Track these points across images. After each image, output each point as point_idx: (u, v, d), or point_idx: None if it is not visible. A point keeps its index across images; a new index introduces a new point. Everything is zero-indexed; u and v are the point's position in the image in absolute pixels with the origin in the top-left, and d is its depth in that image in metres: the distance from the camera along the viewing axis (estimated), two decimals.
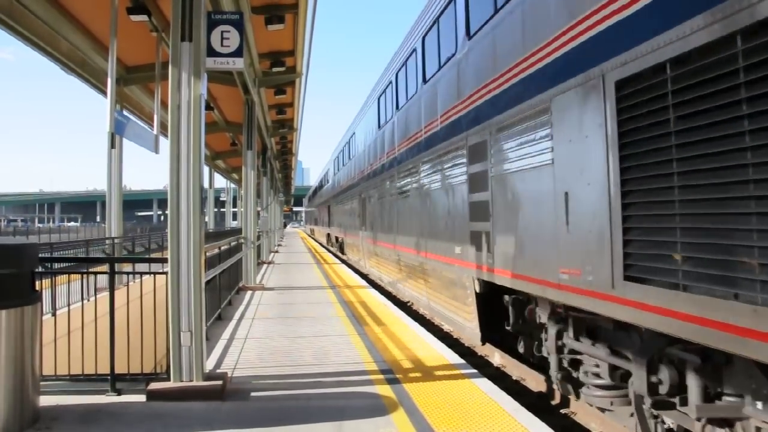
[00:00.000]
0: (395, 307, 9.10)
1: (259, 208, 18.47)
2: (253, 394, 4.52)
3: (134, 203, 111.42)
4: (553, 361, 5.34)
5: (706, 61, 2.99)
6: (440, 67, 8.18)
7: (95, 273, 5.47)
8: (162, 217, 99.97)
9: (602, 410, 5.12)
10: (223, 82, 11.53)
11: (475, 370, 5.24)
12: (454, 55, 7.49)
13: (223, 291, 8.54)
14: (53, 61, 9.93)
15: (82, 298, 4.89)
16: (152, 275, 4.82)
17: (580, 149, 4.31)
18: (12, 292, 3.63)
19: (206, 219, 28.48)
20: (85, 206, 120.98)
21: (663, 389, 3.83)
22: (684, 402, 3.68)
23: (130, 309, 4.67)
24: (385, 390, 4.61)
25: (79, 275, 5.55)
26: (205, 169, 26.20)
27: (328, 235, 32.18)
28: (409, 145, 10.00)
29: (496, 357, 7.68)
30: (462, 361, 5.65)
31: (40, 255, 4.34)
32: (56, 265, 5.99)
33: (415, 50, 9.67)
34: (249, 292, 10.98)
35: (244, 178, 13.36)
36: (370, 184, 14.87)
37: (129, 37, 9.72)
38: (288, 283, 12.74)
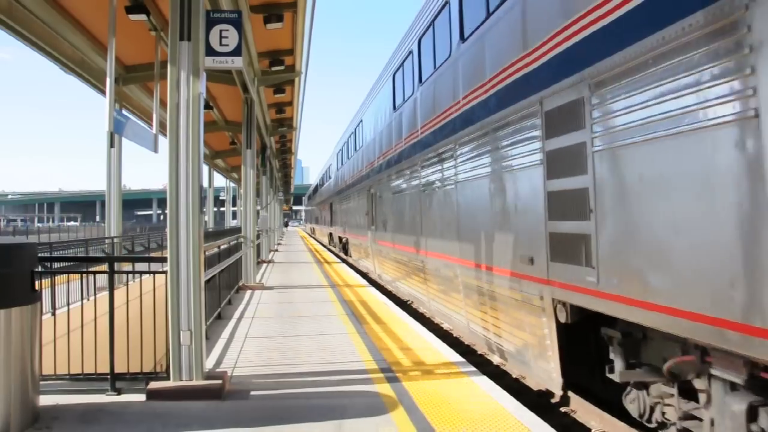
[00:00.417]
0: (395, 305, 9.11)
1: (258, 207, 18.47)
2: (252, 393, 4.53)
3: (134, 203, 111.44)
4: None
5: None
6: (488, 15, 6.26)
7: (95, 272, 5.47)
8: (162, 217, 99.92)
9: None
10: (223, 81, 11.53)
11: (474, 368, 5.24)
12: None
13: (223, 290, 8.54)
14: (52, 60, 9.92)
15: (82, 298, 4.88)
16: (152, 274, 4.81)
17: None
18: (11, 292, 3.62)
19: (206, 218, 28.49)
20: (85, 206, 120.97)
21: None
22: None
23: (130, 308, 4.66)
24: (385, 388, 4.61)
25: (79, 275, 5.55)
26: (205, 168, 26.24)
27: (330, 234, 30.22)
28: (439, 124, 8.18)
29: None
30: (462, 359, 5.65)
31: (39, 254, 4.34)
32: (56, 265, 5.99)
33: (447, 3, 7.85)
34: (249, 291, 10.98)
35: (243, 177, 13.36)
36: (381, 177, 12.98)
37: (128, 36, 9.71)
38: (288, 282, 12.74)
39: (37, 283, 3.95)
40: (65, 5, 8.95)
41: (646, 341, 4.18)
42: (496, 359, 7.31)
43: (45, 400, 4.05)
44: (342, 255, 23.92)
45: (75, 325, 4.54)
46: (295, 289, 11.48)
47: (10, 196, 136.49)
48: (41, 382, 4.01)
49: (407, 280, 11.05)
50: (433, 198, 8.60)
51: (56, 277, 5.43)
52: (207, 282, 6.16)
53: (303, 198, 76.77)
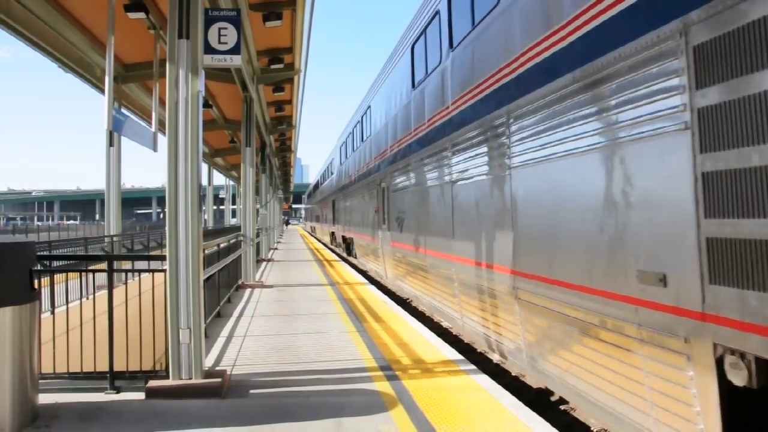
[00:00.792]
0: (394, 303, 9.11)
1: (258, 206, 18.47)
2: (252, 391, 4.53)
3: (133, 201, 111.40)
4: None
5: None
6: None
7: (94, 271, 5.47)
8: (161, 215, 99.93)
9: None
10: (222, 79, 11.51)
11: (474, 367, 5.24)
12: None
13: (223, 288, 8.55)
14: (51, 59, 9.91)
15: (81, 296, 4.88)
16: (151, 273, 4.81)
17: None
18: (10, 291, 3.62)
19: (205, 216, 28.50)
20: (85, 204, 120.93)
21: None
22: None
23: (129, 307, 4.66)
24: (385, 387, 4.61)
25: (78, 273, 5.55)
26: (204, 167, 26.25)
27: (333, 234, 28.15)
28: (484, 92, 6.32)
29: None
30: (461, 357, 5.66)
31: (38, 253, 4.33)
32: (55, 263, 5.98)
33: None
34: (248, 290, 10.98)
35: (242, 175, 13.35)
36: (396, 168, 11.07)
37: (127, 34, 9.69)
38: (287, 281, 12.74)
39: (36, 281, 3.94)
40: (64, 3, 8.93)
41: None
42: (495, 357, 7.31)
43: (44, 399, 4.06)
44: (344, 255, 22.69)
45: (74, 323, 4.54)
46: (295, 288, 11.48)
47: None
48: (40, 381, 4.01)
49: (431, 289, 9.04)
50: (471, 191, 6.83)
51: (55, 276, 5.42)
52: (206, 280, 6.16)
53: (303, 196, 76.68)
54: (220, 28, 6.04)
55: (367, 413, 3.99)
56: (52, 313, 4.87)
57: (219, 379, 4.48)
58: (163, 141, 5.16)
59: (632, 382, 3.74)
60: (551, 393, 6.00)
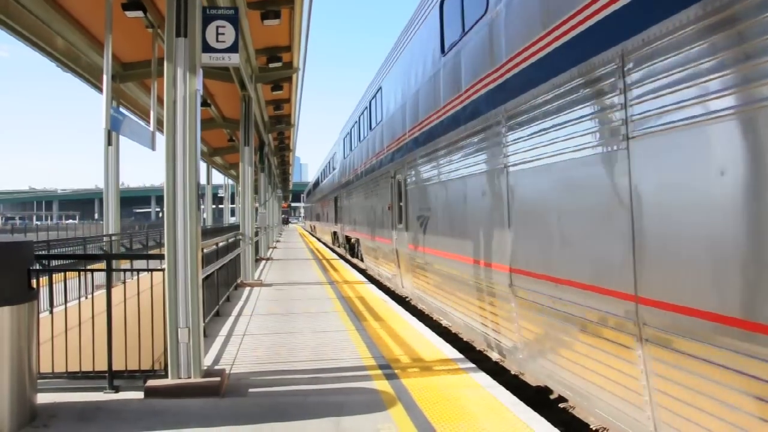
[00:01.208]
0: (393, 302, 9.11)
1: (256, 205, 18.45)
2: (251, 390, 4.52)
3: (132, 200, 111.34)
4: None
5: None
6: None
7: (92, 270, 5.46)
8: (160, 214, 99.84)
9: None
10: (220, 78, 11.49)
11: (473, 365, 5.24)
12: None
13: (221, 287, 8.54)
14: (49, 58, 9.88)
15: (80, 296, 4.87)
16: (150, 272, 4.81)
17: None
18: (8, 290, 3.62)
19: (204, 215, 28.47)
20: (83, 203, 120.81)
21: None
22: None
23: (128, 306, 4.66)
24: (384, 385, 4.61)
25: (76, 272, 5.54)
26: (203, 166, 26.26)
27: (335, 233, 26.59)
28: (549, 47, 4.73)
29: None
30: (461, 356, 5.66)
31: (36, 252, 4.32)
32: (53, 263, 5.97)
33: None
34: (247, 289, 10.98)
35: (241, 174, 13.34)
36: (417, 155, 9.22)
37: (124, 33, 9.67)
38: (286, 279, 12.73)
39: (34, 281, 3.94)
40: (62, 2, 8.91)
41: None
42: (494, 356, 7.31)
43: (43, 398, 4.05)
44: (348, 257, 21.37)
45: (73, 323, 4.54)
46: (294, 286, 11.47)
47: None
48: (39, 380, 4.01)
49: (470, 308, 7.01)
50: (539, 180, 4.95)
51: (54, 275, 5.41)
52: (205, 279, 6.15)
53: (302, 195, 76.55)
54: (218, 27, 6.03)
55: (366, 412, 3.98)
56: (51, 312, 4.86)
57: (218, 378, 4.48)
58: (161, 140, 5.16)
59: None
60: (550, 391, 6.00)
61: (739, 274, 2.80)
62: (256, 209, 17.14)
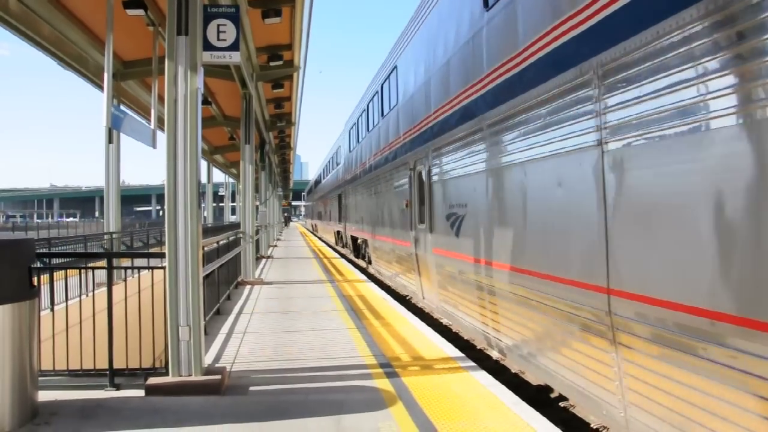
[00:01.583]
0: (394, 301, 9.11)
1: (257, 203, 18.45)
2: (251, 388, 4.53)
3: (133, 198, 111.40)
4: None
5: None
6: None
7: (93, 268, 5.47)
8: (161, 212, 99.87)
9: None
10: (221, 76, 11.50)
11: (474, 364, 5.25)
12: None
13: (222, 285, 8.55)
14: (49, 56, 9.88)
15: (81, 294, 4.88)
16: (150, 270, 4.81)
17: None
18: (9, 288, 3.62)
19: (204, 214, 28.49)
20: (84, 202, 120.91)
21: None
22: None
23: (129, 304, 4.66)
24: (384, 384, 4.62)
25: (77, 270, 5.55)
26: (203, 164, 26.27)
27: (338, 233, 24.96)
28: None
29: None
30: (461, 354, 5.66)
31: (37, 250, 4.33)
32: (54, 261, 5.98)
33: None
34: (248, 287, 10.99)
35: (242, 172, 13.35)
36: (447, 140, 7.44)
37: (125, 31, 9.67)
38: (287, 278, 12.74)
39: (35, 279, 3.94)
40: (63, 0, 8.91)
41: None
42: (495, 354, 7.31)
43: (44, 396, 4.06)
44: (352, 258, 20.10)
45: (74, 320, 4.54)
46: (294, 285, 11.48)
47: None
48: (40, 378, 4.01)
49: (526, 332, 5.29)
50: (670, 161, 3.28)
51: (55, 273, 5.42)
52: (206, 277, 6.16)
53: (302, 193, 76.46)
54: (219, 25, 6.02)
55: (366, 410, 3.99)
56: (52, 310, 4.88)
57: (218, 377, 4.48)
58: (162, 138, 5.16)
59: None
60: (551, 390, 6.01)
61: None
62: (257, 207, 17.14)
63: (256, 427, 3.72)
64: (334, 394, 4.40)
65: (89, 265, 5.65)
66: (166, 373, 4.46)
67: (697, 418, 3.04)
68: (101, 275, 5.00)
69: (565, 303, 4.40)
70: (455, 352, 5.70)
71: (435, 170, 8.16)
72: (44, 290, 4.85)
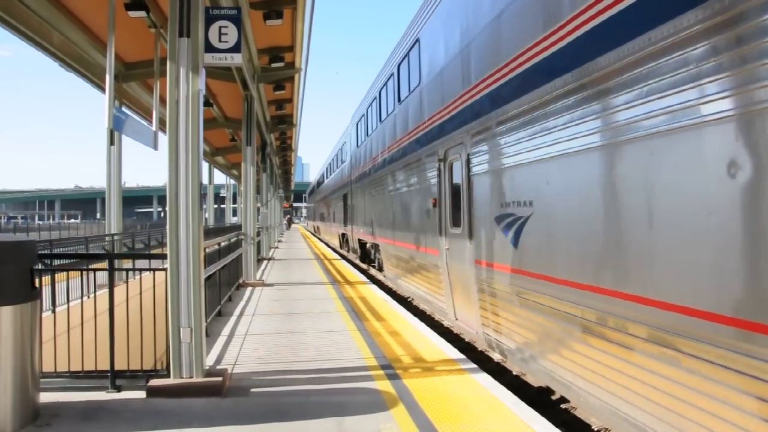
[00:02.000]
0: (395, 302, 9.11)
1: (258, 204, 18.46)
2: (253, 390, 4.53)
3: (134, 200, 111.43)
4: None
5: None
6: None
7: (95, 270, 5.47)
8: (162, 214, 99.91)
9: None
10: (222, 78, 11.51)
11: (475, 365, 5.24)
12: None
13: (223, 287, 8.55)
14: (51, 57, 9.90)
15: (82, 295, 4.88)
16: (152, 272, 4.82)
17: None
18: (11, 289, 3.63)
19: (206, 215, 28.51)
20: (85, 203, 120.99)
21: None
22: None
23: (130, 305, 4.67)
24: (385, 385, 4.61)
25: (79, 272, 5.55)
26: (205, 165, 26.28)
27: (343, 236, 23.17)
28: None
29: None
30: (462, 356, 5.66)
31: (39, 252, 4.34)
32: (56, 262, 5.99)
33: None
34: (249, 289, 10.99)
35: (243, 174, 13.35)
36: (499, 117, 5.68)
37: (127, 33, 9.69)
38: (288, 279, 12.74)
39: (37, 280, 3.95)
40: (64, 2, 8.93)
41: None
42: (496, 356, 7.31)
43: (45, 397, 4.07)
44: (358, 263, 18.65)
45: (75, 322, 4.54)
46: (296, 286, 11.48)
47: (10, 194, 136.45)
48: (42, 380, 4.02)
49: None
50: None
51: (56, 275, 5.42)
52: (207, 279, 6.16)
53: (304, 195, 76.36)
54: (220, 27, 6.04)
55: (368, 412, 3.99)
56: (53, 311, 4.88)
57: (220, 378, 4.48)
58: (163, 140, 5.17)
59: None
60: (552, 392, 6.00)
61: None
62: (258, 209, 17.13)
63: (258, 428, 3.72)
64: (336, 395, 4.40)
65: (91, 266, 5.65)
66: (168, 375, 4.46)
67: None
68: (103, 277, 5.00)
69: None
70: (456, 354, 5.70)
71: (478, 159, 6.34)
72: (46, 292, 4.86)
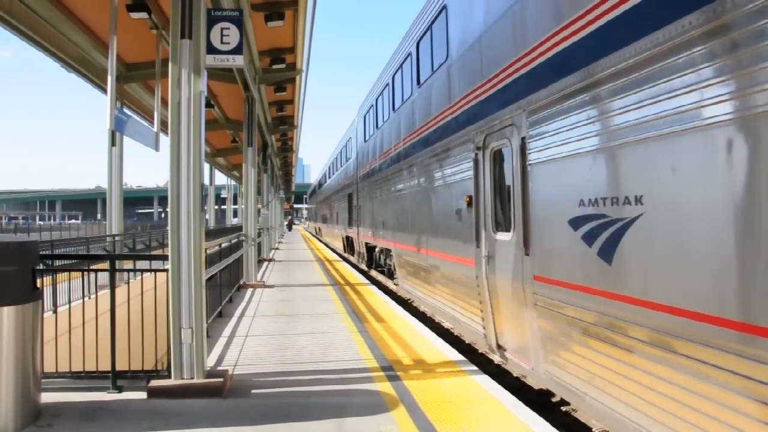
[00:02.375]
0: (396, 304, 9.11)
1: (259, 206, 18.46)
2: (253, 391, 4.53)
3: (135, 200, 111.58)
4: None
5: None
6: None
7: (96, 270, 5.48)
8: (163, 215, 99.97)
9: None
10: (224, 79, 11.53)
11: (475, 367, 5.24)
12: None
13: (224, 288, 8.55)
14: (53, 58, 9.93)
15: (83, 296, 4.89)
16: (153, 272, 4.82)
17: None
18: (13, 290, 3.63)
19: (207, 216, 28.52)
20: (87, 204, 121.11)
21: None
22: None
23: (131, 306, 4.67)
24: (386, 387, 4.62)
25: (80, 273, 5.56)
26: (206, 167, 26.28)
27: (347, 239, 21.39)
28: None
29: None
30: (463, 358, 5.66)
31: (40, 252, 4.34)
32: (57, 263, 6.00)
33: None
34: (250, 290, 10.99)
35: (244, 175, 13.36)
36: (555, 92, 4.50)
37: (129, 34, 9.72)
38: (289, 281, 12.75)
39: (38, 281, 3.95)
40: (66, 3, 8.96)
41: None
42: (496, 358, 7.30)
43: (47, 398, 4.07)
44: (364, 269, 17.30)
45: (76, 323, 4.55)
46: (296, 288, 11.48)
47: (10, 194, 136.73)
48: (43, 380, 4.02)
49: None
50: None
51: (57, 275, 5.43)
52: (208, 280, 6.16)
53: (304, 196, 76.38)
54: (222, 28, 6.05)
55: (368, 413, 3.99)
56: (55, 312, 4.89)
57: (221, 379, 4.49)
58: (165, 141, 5.18)
59: None
60: (552, 394, 6.00)
61: None
62: (259, 210, 17.14)
63: (258, 429, 3.72)
64: (336, 397, 4.40)
65: (92, 267, 5.66)
66: (169, 376, 4.47)
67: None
68: (104, 277, 5.01)
69: None
70: (457, 356, 5.70)
71: (541, 142, 4.83)
72: (47, 292, 4.86)
